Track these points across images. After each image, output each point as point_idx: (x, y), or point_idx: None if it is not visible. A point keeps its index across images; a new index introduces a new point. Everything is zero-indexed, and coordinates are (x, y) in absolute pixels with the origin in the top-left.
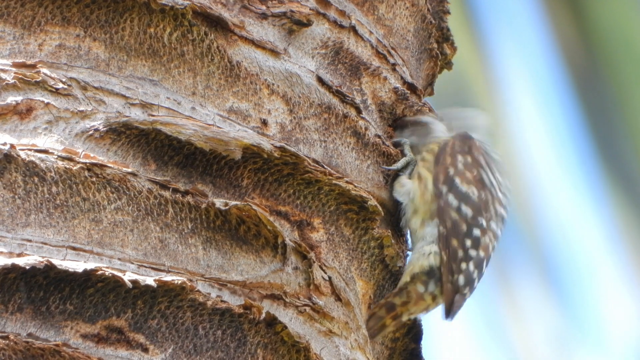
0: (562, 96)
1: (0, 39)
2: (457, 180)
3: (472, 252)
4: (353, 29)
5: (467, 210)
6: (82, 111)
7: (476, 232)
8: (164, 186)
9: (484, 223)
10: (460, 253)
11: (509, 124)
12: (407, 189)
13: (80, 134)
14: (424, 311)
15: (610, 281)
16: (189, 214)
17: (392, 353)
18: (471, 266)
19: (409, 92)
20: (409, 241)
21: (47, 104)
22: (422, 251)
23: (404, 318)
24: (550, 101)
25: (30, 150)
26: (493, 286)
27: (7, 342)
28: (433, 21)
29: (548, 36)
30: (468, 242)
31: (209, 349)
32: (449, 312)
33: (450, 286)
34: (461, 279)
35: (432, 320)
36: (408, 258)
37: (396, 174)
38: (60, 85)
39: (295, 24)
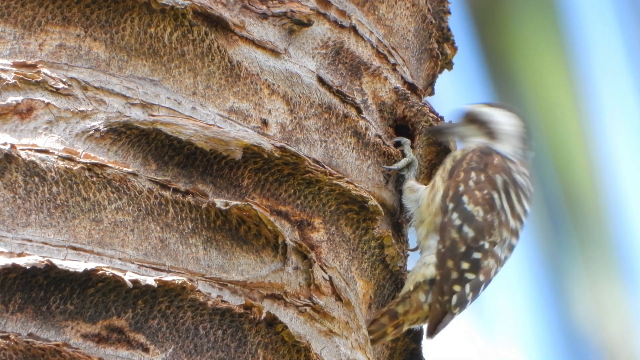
0: None
1: (0, 39)
2: (465, 198)
3: (470, 275)
4: (353, 29)
5: (468, 231)
6: (82, 111)
7: (476, 255)
8: (164, 186)
9: (487, 246)
10: (454, 275)
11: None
12: (417, 195)
13: (81, 134)
14: (423, 321)
15: None
16: (190, 214)
17: (393, 353)
18: (467, 288)
19: (409, 92)
20: (411, 242)
21: (48, 104)
22: (424, 260)
23: (405, 327)
24: None
25: (30, 150)
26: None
27: (7, 342)
28: (433, 21)
29: None
30: (465, 265)
31: (209, 349)
32: (433, 331)
33: (438, 306)
34: (454, 300)
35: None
36: (412, 266)
37: (403, 177)
38: (61, 85)
39: (295, 24)
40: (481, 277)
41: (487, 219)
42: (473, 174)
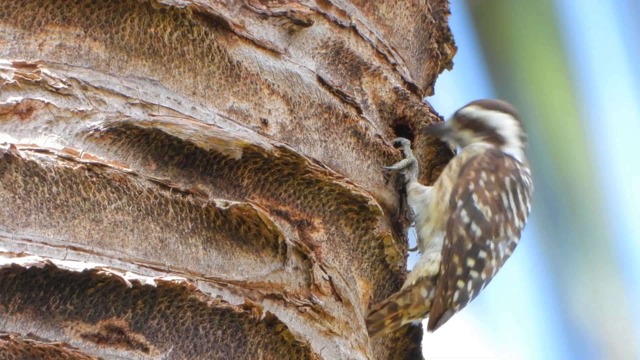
0: None
1: (0, 39)
2: (474, 197)
3: (474, 274)
4: (353, 29)
5: (476, 230)
6: (82, 111)
7: (482, 254)
8: (164, 186)
9: (492, 246)
10: (459, 271)
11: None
12: (423, 195)
13: (81, 134)
14: (422, 316)
15: None
16: (189, 214)
17: (393, 353)
18: (469, 286)
19: (409, 92)
20: (411, 242)
21: (48, 103)
22: (429, 257)
23: (403, 321)
24: None
25: (30, 150)
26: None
27: (7, 342)
28: (433, 21)
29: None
30: (471, 262)
31: (209, 349)
32: (434, 326)
33: (441, 301)
34: (455, 296)
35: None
36: (414, 262)
37: (403, 177)
38: (61, 85)
39: (295, 24)
40: (483, 276)
41: (494, 220)
42: (484, 174)
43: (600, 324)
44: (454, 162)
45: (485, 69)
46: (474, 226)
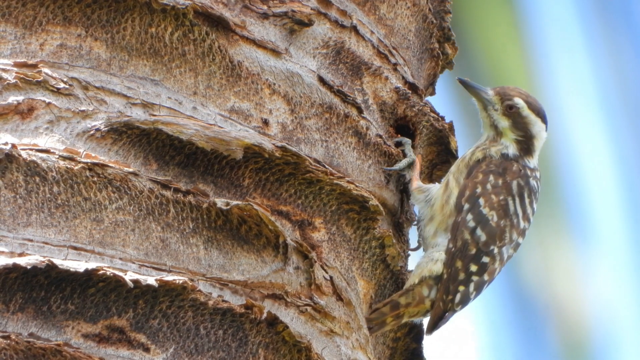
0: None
1: (1, 39)
2: (481, 201)
3: (475, 277)
4: (354, 29)
5: (481, 235)
6: (83, 111)
7: (485, 259)
8: (165, 186)
9: (495, 250)
10: (462, 276)
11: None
12: (428, 195)
13: (82, 134)
14: (422, 315)
15: None
16: (190, 214)
17: (394, 353)
18: (471, 288)
19: (410, 91)
20: (412, 242)
21: (49, 103)
22: (432, 257)
23: (404, 319)
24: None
25: (31, 150)
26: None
27: (8, 341)
28: (434, 21)
29: None
30: (473, 268)
31: (210, 349)
32: (433, 328)
33: (441, 304)
34: (457, 298)
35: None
36: (416, 261)
37: (404, 177)
38: (62, 85)
39: (296, 24)
40: (485, 277)
41: (500, 225)
42: (491, 177)
43: (549, 285)
44: (462, 163)
45: None
46: (479, 231)
